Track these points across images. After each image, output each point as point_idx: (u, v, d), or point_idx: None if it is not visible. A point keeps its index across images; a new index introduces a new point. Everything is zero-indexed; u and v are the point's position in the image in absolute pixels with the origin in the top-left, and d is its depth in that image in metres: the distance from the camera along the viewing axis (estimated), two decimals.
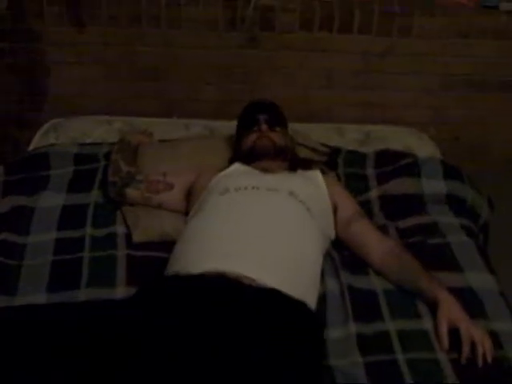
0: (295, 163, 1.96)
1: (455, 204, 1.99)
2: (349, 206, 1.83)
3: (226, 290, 1.42)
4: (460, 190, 2.02)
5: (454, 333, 1.49)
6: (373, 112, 2.61)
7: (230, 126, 2.36)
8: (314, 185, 1.82)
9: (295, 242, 1.61)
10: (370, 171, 2.13)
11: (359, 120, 2.56)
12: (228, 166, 1.90)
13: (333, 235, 1.79)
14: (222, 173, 1.85)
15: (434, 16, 2.40)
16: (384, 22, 2.40)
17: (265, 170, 1.85)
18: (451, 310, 1.52)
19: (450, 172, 2.07)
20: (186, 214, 1.85)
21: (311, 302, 1.55)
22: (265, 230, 1.58)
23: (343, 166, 2.16)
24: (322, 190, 1.81)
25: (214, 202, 1.70)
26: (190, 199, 1.85)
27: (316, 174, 1.87)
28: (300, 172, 1.90)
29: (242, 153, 1.93)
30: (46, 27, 2.39)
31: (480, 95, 2.59)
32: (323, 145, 2.25)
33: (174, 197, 1.89)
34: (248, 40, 2.42)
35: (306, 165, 2.00)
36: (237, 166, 1.90)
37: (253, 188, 1.70)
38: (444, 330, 1.50)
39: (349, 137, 2.43)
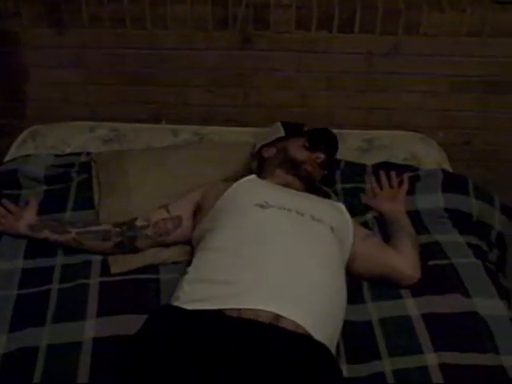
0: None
1: (459, 220, 1.83)
2: (359, 227, 1.73)
3: (261, 335, 1.26)
4: (463, 204, 1.87)
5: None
6: (376, 116, 2.45)
7: (220, 132, 2.28)
8: (344, 218, 1.69)
9: (339, 287, 1.47)
10: (369, 187, 1.98)
11: (362, 125, 2.42)
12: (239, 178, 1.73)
13: None
14: (244, 179, 1.69)
15: (444, 12, 2.21)
16: (388, 19, 2.21)
17: (287, 185, 1.72)
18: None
19: (451, 184, 1.91)
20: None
21: (335, 345, 1.41)
22: (319, 271, 1.43)
23: (341, 182, 2.01)
24: (349, 223, 1.68)
25: (253, 215, 1.52)
26: (199, 216, 1.68)
27: (343, 208, 1.73)
28: (327, 201, 1.78)
29: (284, 157, 1.82)
30: (24, 28, 2.25)
31: (493, 97, 2.41)
32: None
33: (186, 229, 1.71)
34: (240, 40, 2.26)
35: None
36: (255, 178, 1.74)
37: (297, 213, 1.54)
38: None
39: (350, 144, 2.27)
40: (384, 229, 1.80)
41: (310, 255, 1.44)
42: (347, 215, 1.69)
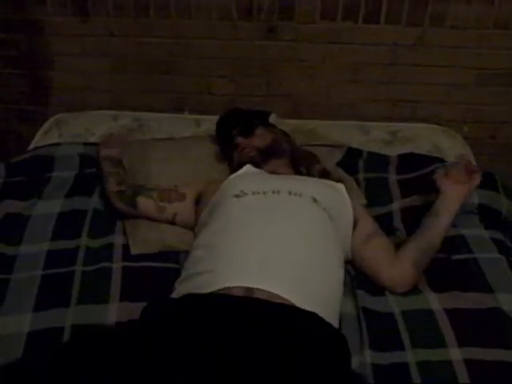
0: (298, 158, 1.84)
1: (487, 216, 1.81)
2: (369, 222, 1.69)
3: (256, 311, 1.26)
4: (494, 201, 1.84)
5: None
6: (401, 109, 2.43)
7: None
8: (338, 195, 1.68)
9: (323, 255, 1.46)
10: (393, 177, 1.96)
11: (386, 117, 2.40)
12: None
13: (349, 252, 1.64)
14: (234, 174, 1.72)
15: (471, 4, 2.19)
16: (415, 10, 2.20)
17: (275, 172, 1.73)
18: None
19: (483, 179, 1.87)
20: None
21: (336, 323, 1.41)
22: (292, 241, 1.43)
23: (364, 171, 1.99)
24: (346, 201, 1.67)
25: (229, 206, 1.56)
26: (199, 209, 1.72)
27: (340, 186, 1.72)
28: (323, 181, 1.75)
29: (237, 168, 1.80)
30: (49, 16, 2.26)
31: None
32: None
33: (187, 207, 1.75)
34: (265, 30, 2.25)
35: (311, 159, 1.88)
36: (248, 168, 1.76)
37: (273, 192, 1.56)
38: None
39: (373, 135, 2.26)
40: (407, 221, 1.77)
41: (284, 229, 1.45)
42: (344, 193, 1.69)
